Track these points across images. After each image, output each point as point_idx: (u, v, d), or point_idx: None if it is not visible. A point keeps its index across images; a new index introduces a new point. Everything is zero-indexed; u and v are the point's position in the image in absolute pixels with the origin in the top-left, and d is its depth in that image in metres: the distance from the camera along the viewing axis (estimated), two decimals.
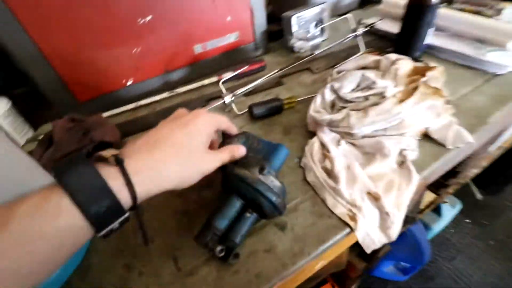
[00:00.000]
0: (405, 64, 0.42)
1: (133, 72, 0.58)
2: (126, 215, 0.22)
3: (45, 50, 0.49)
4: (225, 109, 0.53)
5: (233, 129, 0.34)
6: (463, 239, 1.19)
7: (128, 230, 0.36)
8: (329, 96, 0.43)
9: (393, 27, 0.62)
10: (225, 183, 0.33)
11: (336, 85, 0.41)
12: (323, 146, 0.40)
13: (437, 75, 0.42)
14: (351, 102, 0.41)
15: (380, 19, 0.69)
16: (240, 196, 0.31)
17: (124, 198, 0.21)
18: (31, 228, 0.18)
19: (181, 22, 0.57)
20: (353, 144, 0.41)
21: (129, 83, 0.59)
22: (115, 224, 0.21)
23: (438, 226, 1.14)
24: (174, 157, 0.25)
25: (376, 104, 0.38)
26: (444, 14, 0.62)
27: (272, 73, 0.54)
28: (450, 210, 1.16)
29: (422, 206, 0.89)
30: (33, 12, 0.45)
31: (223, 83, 0.53)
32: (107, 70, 0.55)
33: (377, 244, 0.34)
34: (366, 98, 0.40)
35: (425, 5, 0.52)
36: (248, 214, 0.31)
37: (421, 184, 0.56)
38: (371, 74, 0.40)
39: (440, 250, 1.17)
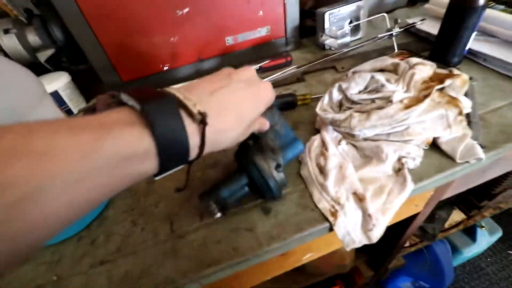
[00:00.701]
0: (423, 69, 0.40)
1: (170, 58, 0.65)
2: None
3: (99, 36, 0.57)
4: None
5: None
6: (500, 272, 1.07)
7: (140, 193, 0.43)
8: (336, 95, 0.43)
9: (436, 29, 0.58)
10: (240, 157, 0.35)
11: (344, 85, 0.42)
12: (323, 143, 0.42)
13: (458, 84, 0.40)
14: (357, 103, 0.41)
15: (423, 19, 0.65)
16: (248, 177, 0.34)
17: (193, 154, 0.23)
18: (117, 155, 0.18)
19: (215, 15, 0.61)
20: (353, 145, 0.41)
21: (165, 68, 0.66)
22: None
23: (470, 251, 1.04)
24: (237, 126, 0.25)
25: (381, 108, 0.38)
26: (493, 15, 0.56)
27: (292, 67, 0.55)
28: (487, 236, 1.05)
29: (447, 224, 0.83)
30: (94, 6, 0.54)
31: None
32: (148, 55, 0.63)
33: (358, 244, 0.35)
34: (372, 100, 0.40)
35: (469, 6, 0.48)
36: (247, 189, 0.35)
37: (433, 197, 0.54)
38: (381, 77, 0.40)
39: (470, 279, 1.07)
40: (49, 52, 0.66)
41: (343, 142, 0.41)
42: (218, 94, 0.24)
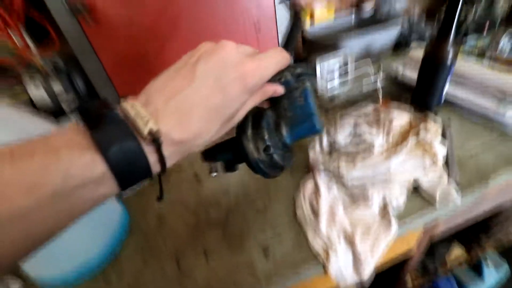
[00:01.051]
0: (399, 119, 0.46)
1: None
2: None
3: (118, 88, 0.65)
4: None
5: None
6: None
7: (150, 231, 0.47)
8: (325, 141, 0.49)
9: (415, 75, 0.65)
10: (238, 126, 0.30)
11: (332, 131, 0.48)
12: (316, 185, 0.46)
13: (431, 133, 0.45)
14: (344, 149, 0.47)
15: (403, 68, 0.73)
16: (235, 151, 0.31)
17: (156, 169, 0.21)
18: (66, 184, 0.17)
19: None
20: (343, 187, 0.46)
21: None
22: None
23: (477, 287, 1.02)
24: (206, 129, 0.23)
25: (365, 153, 0.43)
26: (466, 67, 0.64)
27: None
28: (493, 272, 1.03)
29: (450, 260, 0.83)
30: (114, 63, 0.62)
31: None
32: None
33: (349, 281, 0.38)
34: (357, 147, 0.45)
35: (439, 63, 0.56)
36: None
37: (424, 235, 0.57)
38: (363, 127, 0.45)
39: None
40: (71, 100, 0.74)
41: (334, 185, 0.46)
42: (177, 100, 0.21)
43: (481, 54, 0.71)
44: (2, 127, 0.35)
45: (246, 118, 0.29)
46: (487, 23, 0.84)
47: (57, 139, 0.18)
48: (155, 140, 0.20)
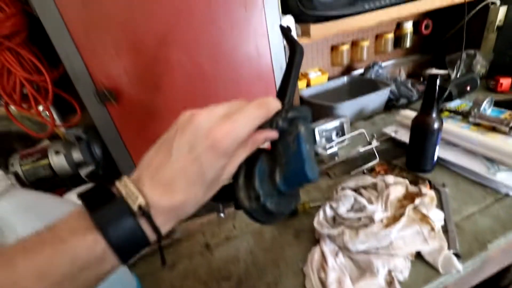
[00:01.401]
0: (396, 190, 0.50)
1: None
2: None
3: (133, 156, 0.71)
4: None
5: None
6: None
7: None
8: (329, 212, 0.52)
9: (407, 137, 0.70)
10: (233, 177, 0.29)
11: (334, 204, 0.51)
12: (323, 255, 0.48)
13: (427, 201, 0.49)
14: (347, 219, 0.50)
15: (396, 131, 0.79)
16: (234, 198, 0.29)
17: (153, 238, 0.24)
18: (73, 266, 0.21)
19: None
20: (349, 256, 0.48)
21: None
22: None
23: None
24: (191, 194, 0.25)
25: (366, 225, 0.46)
26: (454, 131, 0.70)
27: None
28: None
29: None
30: (132, 134, 0.69)
31: None
32: None
33: None
34: (359, 218, 0.48)
35: (426, 129, 0.61)
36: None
37: None
38: (362, 199, 0.49)
39: None
40: (90, 168, 0.80)
41: (340, 255, 0.48)
42: (160, 174, 0.24)
43: (465, 115, 0.78)
44: (31, 213, 0.39)
45: (240, 165, 0.28)
46: (468, 86, 0.93)
47: (63, 227, 0.22)
48: (145, 213, 0.23)
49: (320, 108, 0.92)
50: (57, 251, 0.20)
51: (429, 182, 0.60)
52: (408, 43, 1.17)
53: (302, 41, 0.77)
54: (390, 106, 1.03)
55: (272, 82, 0.73)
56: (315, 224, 0.51)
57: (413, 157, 0.66)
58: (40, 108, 0.79)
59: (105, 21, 0.56)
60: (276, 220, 0.31)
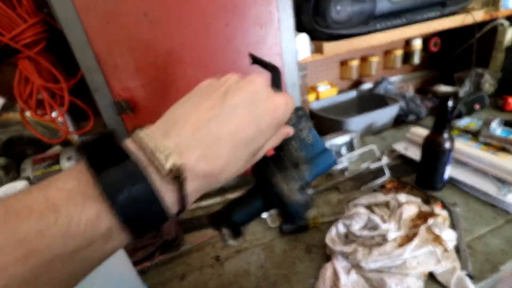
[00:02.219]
0: (409, 209, 0.50)
1: None
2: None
3: None
4: (261, 220, 0.66)
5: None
6: None
7: None
8: (342, 229, 0.52)
9: (417, 155, 0.71)
10: (257, 174, 0.29)
11: (347, 222, 0.51)
12: (335, 272, 0.48)
13: (440, 221, 0.49)
14: (360, 237, 0.50)
15: (406, 146, 0.80)
16: (266, 200, 0.29)
17: (174, 210, 0.19)
18: (68, 246, 0.16)
19: None
20: (362, 275, 0.48)
21: None
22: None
23: None
24: (234, 162, 0.21)
25: (379, 243, 0.46)
26: (465, 150, 0.70)
27: None
28: None
29: None
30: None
31: None
32: None
33: None
34: (372, 237, 0.48)
35: (437, 150, 0.62)
36: (263, 209, 0.30)
37: None
38: (376, 217, 0.49)
39: None
40: None
41: (352, 272, 0.48)
42: (204, 130, 0.20)
43: (475, 134, 0.79)
44: None
45: (265, 163, 0.28)
46: (477, 105, 0.94)
47: (59, 190, 0.16)
48: (178, 176, 0.18)
49: (330, 122, 0.93)
50: (47, 225, 0.15)
51: (441, 201, 0.60)
52: (416, 60, 1.19)
53: (315, 58, 0.79)
54: (399, 121, 1.03)
55: None
56: (327, 241, 0.52)
57: (424, 176, 0.67)
58: (54, 114, 0.81)
59: (127, 39, 0.58)
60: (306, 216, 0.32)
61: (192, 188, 0.19)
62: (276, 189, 0.27)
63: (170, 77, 0.63)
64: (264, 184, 0.28)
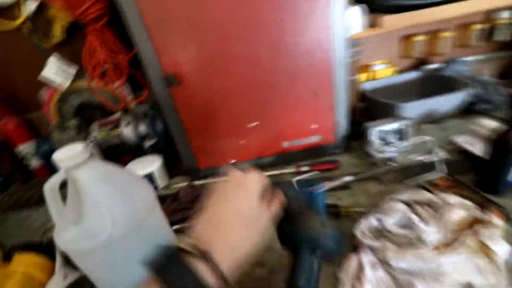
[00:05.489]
0: (457, 213, 0.45)
1: (237, 155, 0.81)
2: None
3: (189, 134, 0.77)
4: None
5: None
6: None
7: None
8: (374, 222, 0.50)
9: (481, 151, 0.61)
10: (285, 238, 0.37)
11: (381, 216, 0.48)
12: (360, 265, 0.47)
13: (493, 230, 0.43)
14: (392, 233, 0.47)
15: (469, 140, 0.70)
16: (308, 247, 0.35)
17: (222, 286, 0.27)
18: None
19: (277, 127, 0.77)
20: (389, 272, 0.46)
21: (232, 162, 0.81)
22: None
23: None
24: (245, 233, 0.30)
25: (413, 244, 0.43)
26: None
27: (340, 180, 0.64)
28: None
29: None
30: (191, 116, 0.74)
31: (300, 173, 0.68)
32: (221, 152, 0.80)
33: None
34: (405, 235, 0.45)
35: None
36: (316, 262, 0.35)
37: None
38: (414, 216, 0.45)
39: None
40: (152, 141, 0.89)
41: (379, 268, 0.46)
42: (212, 213, 0.32)
43: None
44: (105, 182, 0.45)
45: (282, 225, 0.36)
46: None
47: None
48: (205, 256, 0.26)
49: (381, 106, 0.85)
50: None
51: (501, 207, 0.52)
52: (501, 36, 0.98)
53: (370, 33, 0.71)
54: (468, 110, 0.89)
55: (328, 76, 0.70)
56: (357, 232, 0.50)
57: (487, 176, 0.58)
58: (116, 84, 0.90)
59: (175, 15, 0.60)
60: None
61: (224, 262, 0.28)
62: (310, 232, 0.34)
63: (215, 52, 0.64)
64: (296, 236, 0.35)
